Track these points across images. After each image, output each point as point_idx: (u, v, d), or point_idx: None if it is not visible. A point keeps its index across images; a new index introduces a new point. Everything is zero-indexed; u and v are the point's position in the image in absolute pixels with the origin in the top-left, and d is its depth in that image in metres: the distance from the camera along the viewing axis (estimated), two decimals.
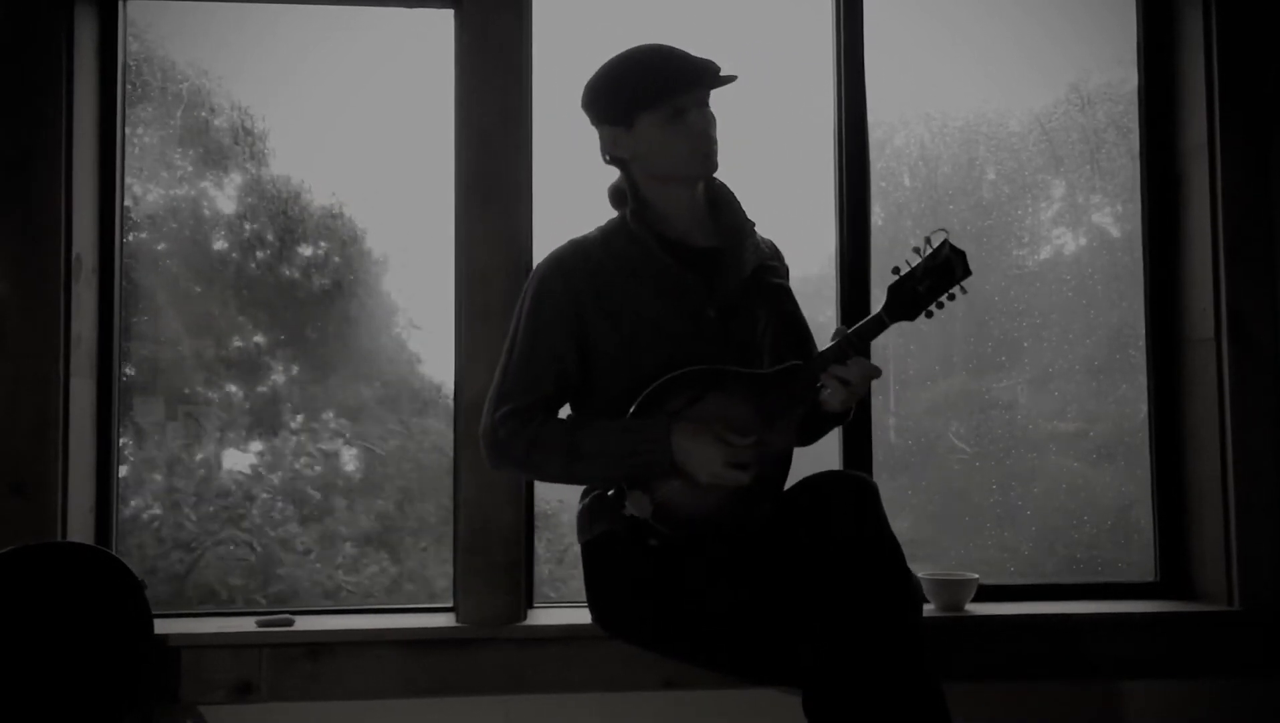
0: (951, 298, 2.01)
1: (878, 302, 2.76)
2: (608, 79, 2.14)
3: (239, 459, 2.78)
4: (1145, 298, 2.89)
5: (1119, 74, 2.96)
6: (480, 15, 2.59)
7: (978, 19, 2.96)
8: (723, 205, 2.22)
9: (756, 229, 2.23)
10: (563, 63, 2.73)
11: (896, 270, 2.02)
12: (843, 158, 2.79)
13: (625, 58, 2.14)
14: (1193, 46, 2.80)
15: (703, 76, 2.10)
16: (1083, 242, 3.03)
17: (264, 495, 2.77)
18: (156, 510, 2.73)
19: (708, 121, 2.13)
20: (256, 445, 2.78)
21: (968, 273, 2.00)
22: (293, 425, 2.79)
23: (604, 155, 2.20)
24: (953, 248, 1.99)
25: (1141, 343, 2.90)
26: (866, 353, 2.10)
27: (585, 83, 2.18)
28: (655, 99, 2.09)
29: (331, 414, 2.80)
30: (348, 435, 2.81)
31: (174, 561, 2.72)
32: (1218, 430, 2.69)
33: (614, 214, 2.23)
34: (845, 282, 2.77)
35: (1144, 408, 2.89)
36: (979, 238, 2.92)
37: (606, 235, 2.18)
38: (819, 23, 2.84)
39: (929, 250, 2.00)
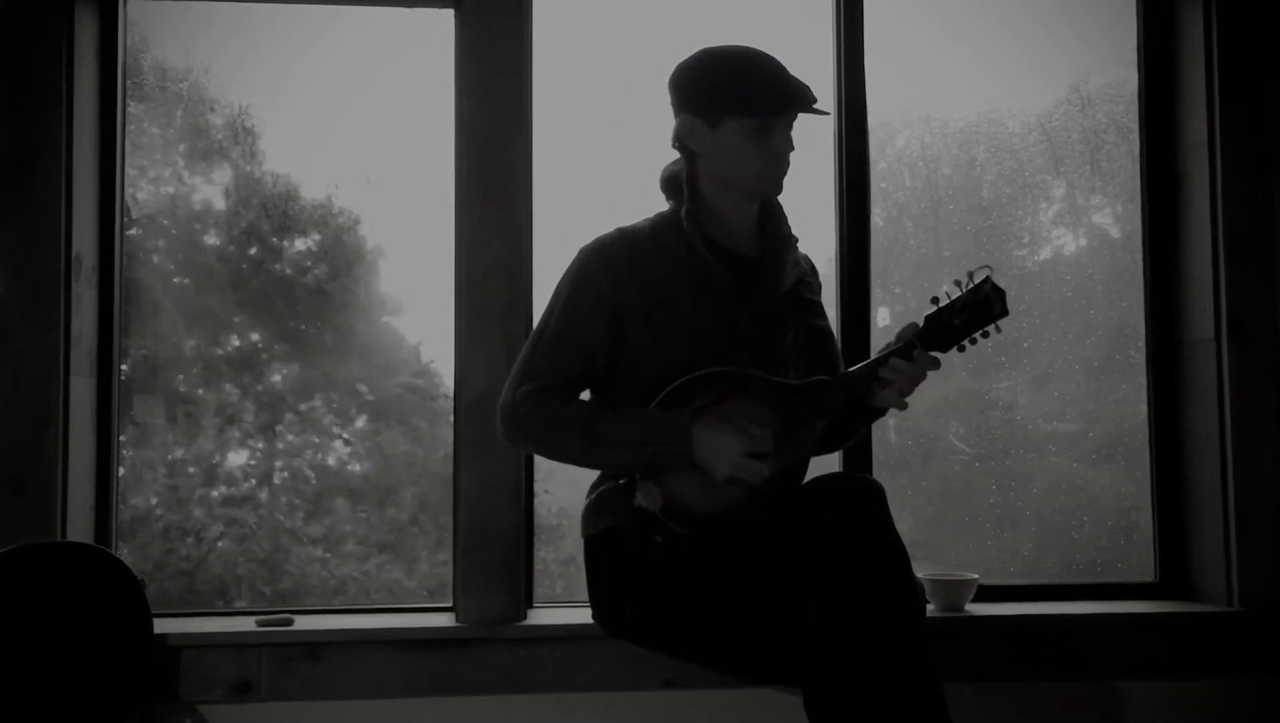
0: (985, 335, 2.00)
1: (878, 303, 2.78)
2: (706, 69, 2.11)
3: (237, 457, 2.78)
4: (1145, 298, 2.90)
5: (1119, 74, 2.96)
6: (480, 15, 2.59)
7: (978, 20, 2.96)
8: (771, 218, 2.23)
9: (799, 245, 2.25)
10: (563, 63, 2.73)
11: (935, 300, 2.01)
12: (843, 159, 2.79)
13: (729, 55, 2.10)
14: (1193, 47, 2.80)
15: (801, 102, 2.08)
16: (1083, 242, 3.03)
17: (263, 494, 2.77)
18: (158, 511, 2.73)
19: (788, 145, 2.11)
20: (255, 443, 2.78)
21: (1005, 312, 1.98)
22: (290, 423, 2.79)
23: (674, 141, 2.17)
24: (994, 286, 1.97)
25: (1141, 343, 2.90)
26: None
27: (680, 62, 2.13)
28: (750, 109, 2.06)
29: (330, 413, 2.80)
30: (345, 434, 2.81)
31: (178, 558, 2.72)
32: (1217, 431, 2.70)
33: (655, 208, 2.23)
34: (845, 283, 2.77)
35: (1144, 409, 2.89)
36: (979, 238, 2.91)
37: (655, 228, 2.16)
38: (819, 24, 2.84)
39: (970, 285, 1.99)
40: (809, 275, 2.30)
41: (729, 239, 2.17)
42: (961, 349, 2.02)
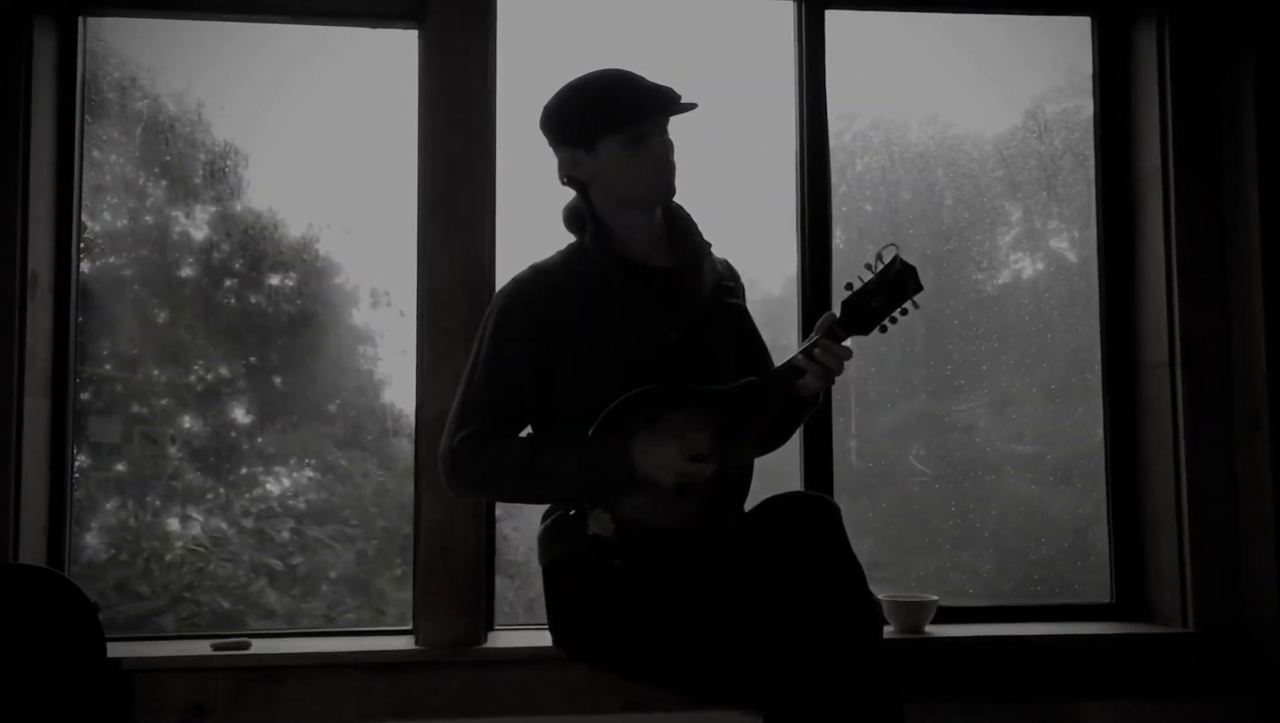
0: (904, 312, 2.03)
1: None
2: (569, 101, 2.16)
3: (197, 483, 2.75)
4: (1101, 322, 2.93)
5: (1075, 101, 3.01)
6: (443, 34, 2.59)
7: (936, 47, 2.99)
8: (680, 228, 2.24)
9: (713, 250, 2.26)
10: (528, 83, 2.74)
11: (849, 286, 2.03)
12: (804, 183, 2.81)
13: (587, 81, 2.16)
14: (1147, 75, 2.85)
15: (665, 103, 2.13)
16: (1040, 266, 3.07)
17: (221, 521, 2.74)
18: (112, 537, 2.70)
19: (668, 147, 2.15)
20: (215, 470, 2.75)
21: (919, 288, 2.01)
22: (254, 451, 2.77)
23: (562, 177, 2.21)
24: (904, 263, 2.00)
25: (1097, 367, 2.94)
26: None
27: (544, 104, 2.19)
28: (618, 123, 2.10)
29: (294, 437, 2.78)
30: (311, 460, 2.79)
31: (129, 588, 2.68)
32: (1172, 454, 2.73)
33: (571, 238, 2.24)
34: (807, 305, 2.79)
35: (1100, 431, 2.92)
36: (939, 262, 2.95)
37: (567, 259, 2.20)
38: (781, 50, 2.86)
39: (880, 266, 2.01)
40: (727, 280, 2.30)
41: (641, 254, 2.19)
42: (883, 330, 2.04)
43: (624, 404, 2.02)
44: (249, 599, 2.71)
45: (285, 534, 2.76)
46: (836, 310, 2.03)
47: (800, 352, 2.04)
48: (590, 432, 2.02)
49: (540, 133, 2.21)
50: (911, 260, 2.02)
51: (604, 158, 2.13)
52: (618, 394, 2.02)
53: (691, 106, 2.14)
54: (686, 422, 2.01)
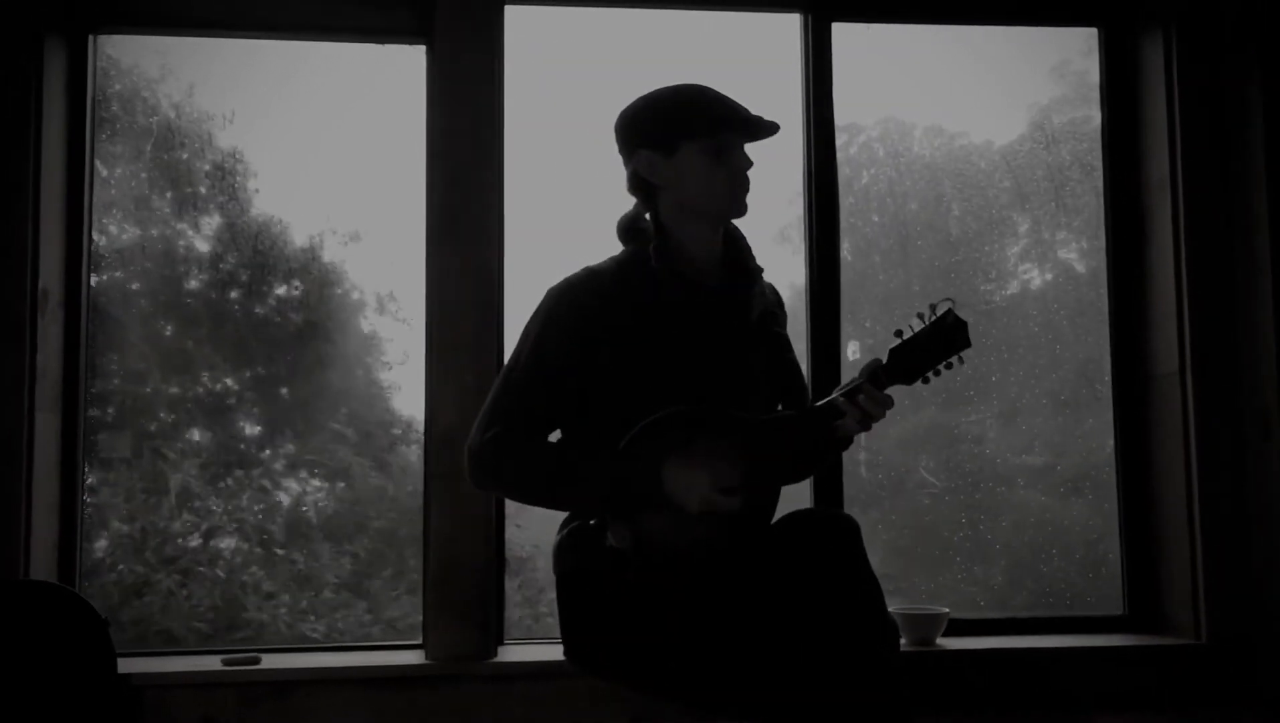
0: (949, 367, 2.02)
1: (846, 336, 2.80)
2: (654, 104, 2.12)
3: (206, 497, 2.75)
4: (1110, 333, 2.93)
5: (1082, 112, 3.01)
6: (451, 51, 2.60)
7: (942, 58, 3.00)
8: (736, 250, 2.21)
9: (764, 275, 2.24)
10: (536, 97, 2.75)
11: (899, 333, 2.01)
12: (812, 194, 2.82)
13: (674, 89, 2.13)
14: (1154, 85, 2.85)
15: (750, 121, 2.10)
16: (1049, 277, 3.07)
17: (231, 535, 2.74)
18: (122, 553, 2.70)
19: (748, 163, 2.11)
20: (224, 483, 2.76)
21: (968, 344, 1.99)
22: (262, 463, 2.77)
23: (630, 183, 2.15)
24: (956, 318, 1.98)
25: (1107, 377, 2.93)
26: None
27: (624, 109, 2.14)
28: (705, 130, 2.07)
29: (300, 451, 2.79)
30: (318, 472, 2.79)
31: (139, 604, 2.69)
32: (1183, 464, 2.72)
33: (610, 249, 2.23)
34: (815, 316, 2.78)
35: (1110, 442, 2.91)
36: (947, 273, 2.94)
37: (621, 266, 2.14)
38: (788, 62, 2.87)
39: (933, 318, 1.99)
40: (775, 307, 2.28)
41: (695, 271, 2.16)
42: (926, 381, 2.03)
43: (659, 422, 2.00)
44: (257, 609, 2.71)
45: (293, 545, 2.76)
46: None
47: (841, 393, 2.01)
48: (622, 445, 2.01)
49: (614, 138, 2.15)
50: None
51: (683, 164, 2.08)
52: (655, 406, 2.01)
53: (775, 128, 2.11)
54: (719, 449, 1.99)
